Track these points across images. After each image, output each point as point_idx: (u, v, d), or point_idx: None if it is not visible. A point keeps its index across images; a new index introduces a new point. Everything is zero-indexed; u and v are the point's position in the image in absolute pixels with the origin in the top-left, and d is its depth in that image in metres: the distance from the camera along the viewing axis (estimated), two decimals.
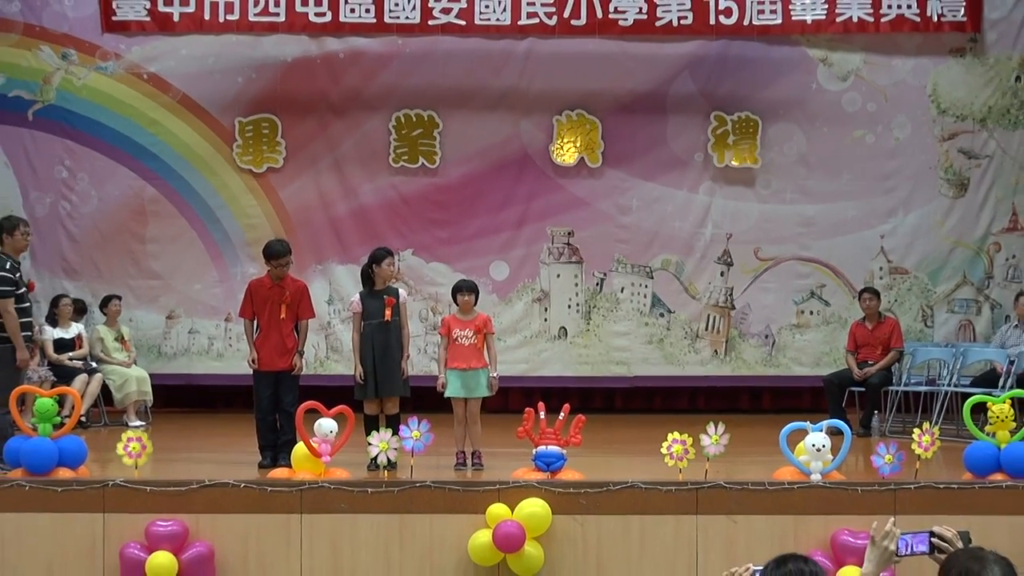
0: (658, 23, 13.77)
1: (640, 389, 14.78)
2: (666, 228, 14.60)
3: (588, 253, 14.58)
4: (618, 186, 14.58)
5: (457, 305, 10.43)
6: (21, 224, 10.31)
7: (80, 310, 13.98)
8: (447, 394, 10.26)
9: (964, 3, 13.88)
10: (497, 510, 8.70)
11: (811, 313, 14.63)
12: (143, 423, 13.35)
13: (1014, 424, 9.31)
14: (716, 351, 14.61)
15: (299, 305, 10.56)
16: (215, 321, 14.61)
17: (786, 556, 4.20)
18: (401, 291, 10.61)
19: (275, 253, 10.58)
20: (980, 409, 9.51)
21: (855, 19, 13.79)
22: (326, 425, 9.49)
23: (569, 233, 14.58)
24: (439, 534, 8.79)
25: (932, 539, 4.50)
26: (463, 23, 13.76)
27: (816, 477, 8.89)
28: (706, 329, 14.62)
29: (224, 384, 14.60)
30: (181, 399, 14.87)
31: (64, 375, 13.04)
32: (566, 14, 13.71)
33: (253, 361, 10.42)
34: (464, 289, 10.36)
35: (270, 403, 10.42)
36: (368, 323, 10.30)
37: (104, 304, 14.00)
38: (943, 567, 4.11)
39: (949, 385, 12.36)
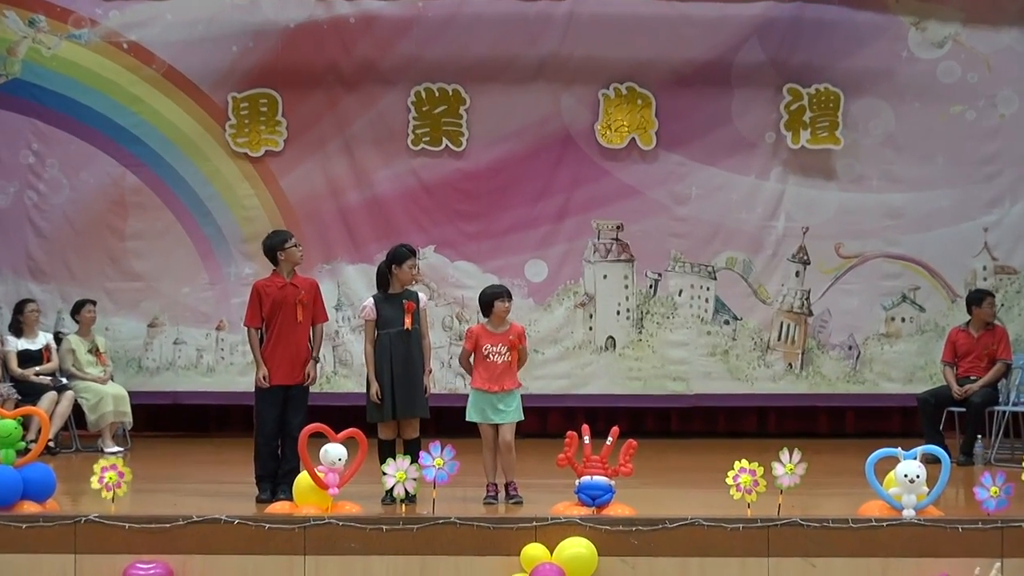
0: None
1: (701, 409, 14.73)
2: (731, 220, 14.57)
3: (640, 250, 14.55)
4: (675, 171, 14.54)
5: (488, 316, 10.32)
6: None
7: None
8: (472, 418, 10.23)
9: None
10: (533, 551, 8.65)
11: (902, 320, 14.54)
12: (121, 449, 13.36)
13: None
14: (790, 364, 14.56)
15: (314, 306, 10.60)
16: (205, 330, 14.62)
17: None
18: (421, 295, 10.57)
19: (279, 241, 10.57)
20: None
21: None
22: (334, 452, 9.45)
23: (618, 227, 14.56)
24: None
25: None
26: None
27: (909, 513, 8.81)
28: (778, 339, 14.57)
29: (216, 403, 14.65)
30: (165, 421, 14.88)
31: (30, 392, 13.08)
32: None
33: (265, 378, 10.38)
34: (504, 295, 10.27)
35: (275, 426, 10.43)
36: (384, 332, 10.27)
37: (76, 310, 14.00)
38: None
39: None
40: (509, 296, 10.32)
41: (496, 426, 10.15)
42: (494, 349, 10.16)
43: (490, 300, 10.26)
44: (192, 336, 14.66)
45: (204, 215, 14.60)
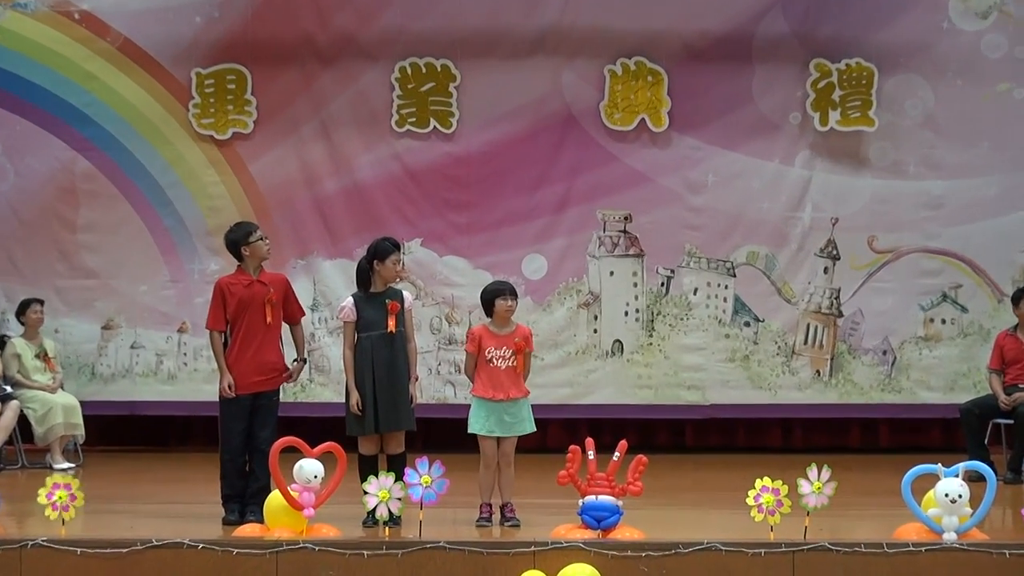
0: None
1: (719, 421, 14.76)
2: (752, 211, 14.58)
3: (651, 244, 14.57)
4: (689, 156, 14.57)
5: (491, 315, 10.32)
6: None
7: None
8: (474, 430, 10.21)
9: None
10: None
11: (943, 322, 14.58)
12: (72, 465, 13.39)
13: None
14: (818, 371, 14.59)
15: (286, 304, 10.62)
16: (166, 333, 14.63)
17: None
18: (406, 294, 10.58)
19: (242, 234, 10.53)
20: None
21: None
22: (309, 468, 9.43)
23: (626, 218, 14.58)
24: None
25: None
26: None
27: (950, 536, 8.80)
28: (805, 343, 14.60)
29: (178, 415, 14.68)
30: (121, 434, 14.91)
31: None
32: None
33: (230, 387, 10.34)
34: (507, 293, 10.26)
35: (243, 440, 10.43)
36: (365, 335, 10.27)
37: (22, 311, 14.02)
38: None
39: None
40: (513, 294, 10.31)
41: (499, 440, 10.16)
42: (497, 353, 10.17)
43: (491, 298, 10.27)
44: (151, 339, 14.67)
45: (165, 205, 14.59)
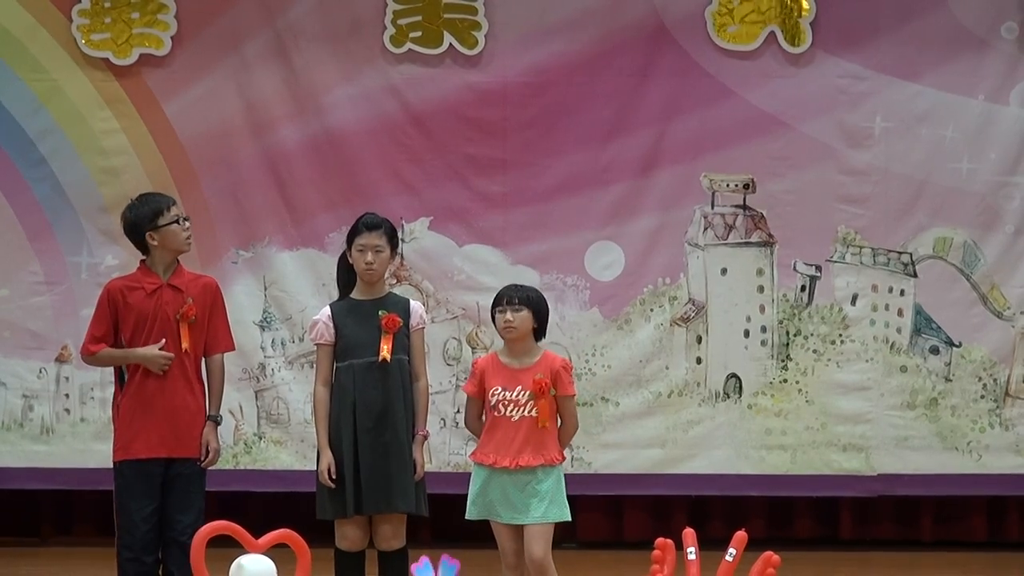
0: None
1: (891, 500, 14.50)
2: (942, 175, 14.31)
3: (785, 226, 14.32)
4: (845, 90, 14.37)
5: (500, 331, 9.99)
6: None
7: None
8: (471, 515, 10.06)
9: None
10: None
11: None
12: None
13: None
14: None
15: (209, 324, 10.50)
16: (37, 363, 14.30)
17: None
18: (415, 304, 10.46)
19: (147, 212, 10.25)
20: None
21: None
22: (254, 568, 8.71)
23: (746, 185, 14.30)
24: None
25: None
26: None
27: None
28: None
29: (56, 489, 14.30)
30: None
31: None
32: None
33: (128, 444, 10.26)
34: (505, 301, 9.89)
35: (152, 528, 10.25)
36: (345, 365, 10.16)
37: None
38: None
39: None
40: (518, 302, 9.85)
41: (519, 530, 9.82)
42: (505, 395, 9.80)
43: (492, 309, 10.01)
44: (15, 373, 14.36)
45: (35, 165, 14.31)
